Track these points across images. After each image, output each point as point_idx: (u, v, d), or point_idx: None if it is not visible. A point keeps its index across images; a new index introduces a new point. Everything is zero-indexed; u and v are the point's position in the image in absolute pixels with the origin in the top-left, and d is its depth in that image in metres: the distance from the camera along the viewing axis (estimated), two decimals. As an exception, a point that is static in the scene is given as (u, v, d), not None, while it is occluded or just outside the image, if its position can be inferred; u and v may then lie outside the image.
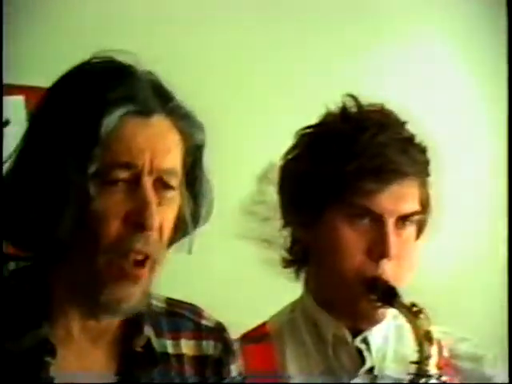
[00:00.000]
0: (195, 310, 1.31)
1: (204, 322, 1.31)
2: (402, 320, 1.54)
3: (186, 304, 1.32)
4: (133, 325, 1.23)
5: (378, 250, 1.46)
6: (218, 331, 1.32)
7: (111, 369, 1.22)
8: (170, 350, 1.26)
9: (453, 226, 2.74)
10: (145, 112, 1.17)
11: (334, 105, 1.55)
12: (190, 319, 1.30)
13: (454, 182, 2.74)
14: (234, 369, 1.31)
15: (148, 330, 1.24)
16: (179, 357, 1.27)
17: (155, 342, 1.24)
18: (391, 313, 1.54)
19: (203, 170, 1.25)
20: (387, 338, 1.54)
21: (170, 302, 1.30)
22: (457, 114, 2.88)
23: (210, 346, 1.29)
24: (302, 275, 1.59)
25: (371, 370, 1.52)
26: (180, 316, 1.29)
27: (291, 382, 1.52)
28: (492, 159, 2.91)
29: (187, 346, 1.28)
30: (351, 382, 1.51)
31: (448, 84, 2.89)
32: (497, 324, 2.81)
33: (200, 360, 1.28)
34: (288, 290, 1.58)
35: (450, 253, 2.80)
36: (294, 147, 1.57)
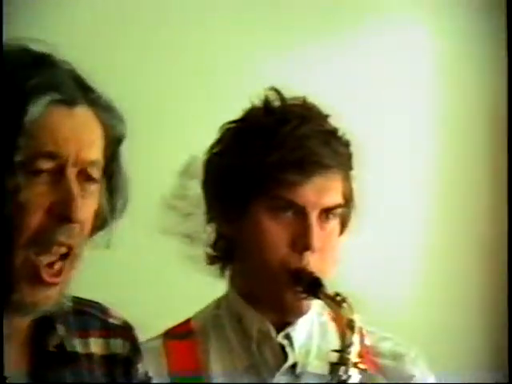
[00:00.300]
0: (102, 308, 1.30)
1: (111, 320, 1.30)
2: (326, 317, 1.56)
3: (91, 302, 1.30)
4: (45, 324, 1.21)
5: (302, 242, 1.46)
6: (126, 330, 1.30)
7: (23, 369, 1.18)
8: (80, 349, 1.24)
9: (384, 223, 2.80)
10: (69, 101, 1.15)
11: (257, 98, 1.55)
12: (97, 317, 1.28)
13: (387, 178, 2.81)
14: (141, 367, 1.30)
15: (61, 329, 1.22)
16: (89, 356, 1.25)
17: (67, 341, 1.22)
18: (315, 310, 1.55)
19: (120, 163, 1.24)
20: (311, 335, 1.54)
21: (76, 300, 1.27)
22: (394, 112, 2.93)
23: (118, 345, 1.28)
24: (227, 271, 1.58)
25: (294, 366, 1.51)
26: (87, 314, 1.28)
27: (215, 381, 1.50)
28: (428, 158, 2.98)
29: (96, 345, 1.26)
30: (274, 378, 1.50)
31: (383, 82, 2.93)
32: (420, 322, 2.87)
33: (109, 359, 1.27)
34: (211, 286, 1.57)
35: (376, 248, 2.86)
36: (218, 142, 1.56)
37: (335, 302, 1.42)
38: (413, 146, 2.97)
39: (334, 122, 1.54)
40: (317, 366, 1.50)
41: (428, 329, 2.91)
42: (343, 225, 1.54)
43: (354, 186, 1.55)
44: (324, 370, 1.44)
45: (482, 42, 3.01)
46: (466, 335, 3.02)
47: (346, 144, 1.53)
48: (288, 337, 1.52)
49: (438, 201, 3.00)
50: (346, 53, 2.88)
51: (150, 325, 1.53)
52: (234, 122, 1.56)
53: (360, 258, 2.66)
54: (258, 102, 1.55)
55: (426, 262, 2.99)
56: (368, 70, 2.91)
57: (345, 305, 1.41)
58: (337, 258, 1.52)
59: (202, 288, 1.60)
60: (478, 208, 3.04)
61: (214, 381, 1.50)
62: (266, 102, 1.54)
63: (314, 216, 1.47)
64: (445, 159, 3.00)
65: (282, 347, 1.51)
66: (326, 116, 1.54)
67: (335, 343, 1.44)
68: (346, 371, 1.39)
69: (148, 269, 2.52)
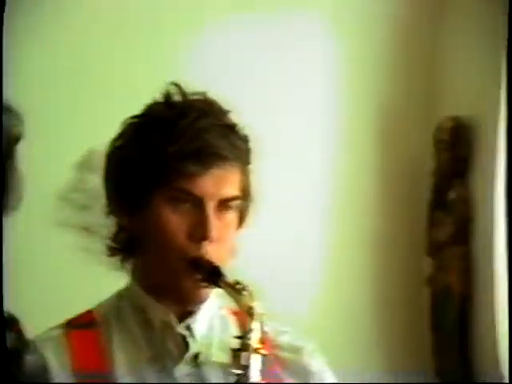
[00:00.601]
0: None
1: None
2: (225, 311, 1.59)
3: None
4: None
5: (199, 232, 1.49)
6: (11, 321, 1.30)
7: None
8: None
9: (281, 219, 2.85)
10: None
11: (158, 93, 1.58)
12: None
13: (283, 175, 2.86)
14: (33, 361, 1.31)
15: None
16: None
17: None
18: (216, 304, 1.58)
19: (16, 161, 1.25)
20: (212, 327, 1.57)
21: None
22: (291, 110, 2.99)
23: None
24: (128, 263, 1.59)
25: (197, 356, 1.53)
26: None
27: (120, 373, 1.51)
28: (324, 156, 3.04)
29: None
30: (176, 368, 1.52)
31: (281, 80, 2.98)
32: (317, 316, 2.92)
33: None
34: (109, 278, 1.57)
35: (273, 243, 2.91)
36: (119, 136, 1.57)
37: (235, 289, 1.45)
38: (309, 144, 3.03)
39: (234, 117, 1.57)
40: (219, 355, 1.53)
41: (325, 324, 2.97)
42: (241, 217, 1.57)
43: (252, 180, 1.59)
44: (226, 359, 1.47)
45: (379, 42, 3.10)
46: (362, 332, 3.08)
47: (245, 139, 1.57)
48: (189, 328, 1.54)
49: (334, 199, 3.06)
50: (244, 50, 2.92)
51: (46, 318, 1.54)
52: (135, 116, 1.58)
53: (257, 251, 2.70)
54: (158, 97, 1.58)
55: (323, 259, 3.04)
56: (266, 67, 2.96)
57: (245, 293, 1.44)
58: (234, 249, 1.55)
59: (101, 280, 1.61)
60: (375, 206, 3.11)
61: (119, 373, 1.51)
62: (167, 97, 1.56)
63: (211, 207, 1.50)
64: (340, 157, 3.07)
65: (184, 338, 1.54)
66: (226, 111, 1.57)
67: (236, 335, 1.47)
68: (248, 357, 1.42)
69: (44, 262, 2.49)
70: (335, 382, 1.63)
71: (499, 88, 2.83)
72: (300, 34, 3.01)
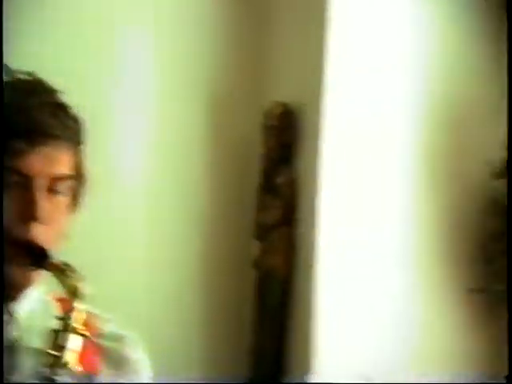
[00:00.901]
0: None
1: None
2: (50, 297, 1.56)
3: None
4: None
5: (28, 212, 1.45)
6: None
7: None
8: None
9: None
10: None
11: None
12: None
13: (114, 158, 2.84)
14: None
15: None
16: None
17: None
18: (40, 289, 1.55)
19: None
20: (34, 312, 1.53)
21: None
22: (124, 99, 2.97)
23: None
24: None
25: (14, 342, 1.50)
26: None
27: None
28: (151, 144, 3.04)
29: None
30: None
31: (116, 68, 2.96)
32: (141, 305, 2.92)
33: None
34: None
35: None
36: None
37: (62, 271, 1.43)
38: (140, 128, 3.03)
39: (63, 97, 1.55)
40: (38, 342, 1.49)
41: (150, 310, 2.98)
42: (74, 200, 1.55)
43: (84, 161, 1.56)
44: (44, 345, 1.44)
45: (208, 30, 3.13)
46: (187, 320, 3.10)
47: (75, 119, 1.54)
48: (10, 313, 1.50)
49: (163, 184, 3.08)
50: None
51: None
52: None
53: (88, 234, 2.69)
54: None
55: (151, 243, 3.05)
56: (99, 49, 2.94)
57: (71, 274, 1.43)
58: (65, 232, 1.52)
59: None
60: (204, 190, 3.14)
61: None
62: None
63: (40, 186, 1.46)
64: (171, 142, 3.09)
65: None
66: (55, 91, 1.54)
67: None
68: (66, 337, 1.41)
69: None
70: (151, 373, 1.63)
71: (321, 75, 2.91)
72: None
